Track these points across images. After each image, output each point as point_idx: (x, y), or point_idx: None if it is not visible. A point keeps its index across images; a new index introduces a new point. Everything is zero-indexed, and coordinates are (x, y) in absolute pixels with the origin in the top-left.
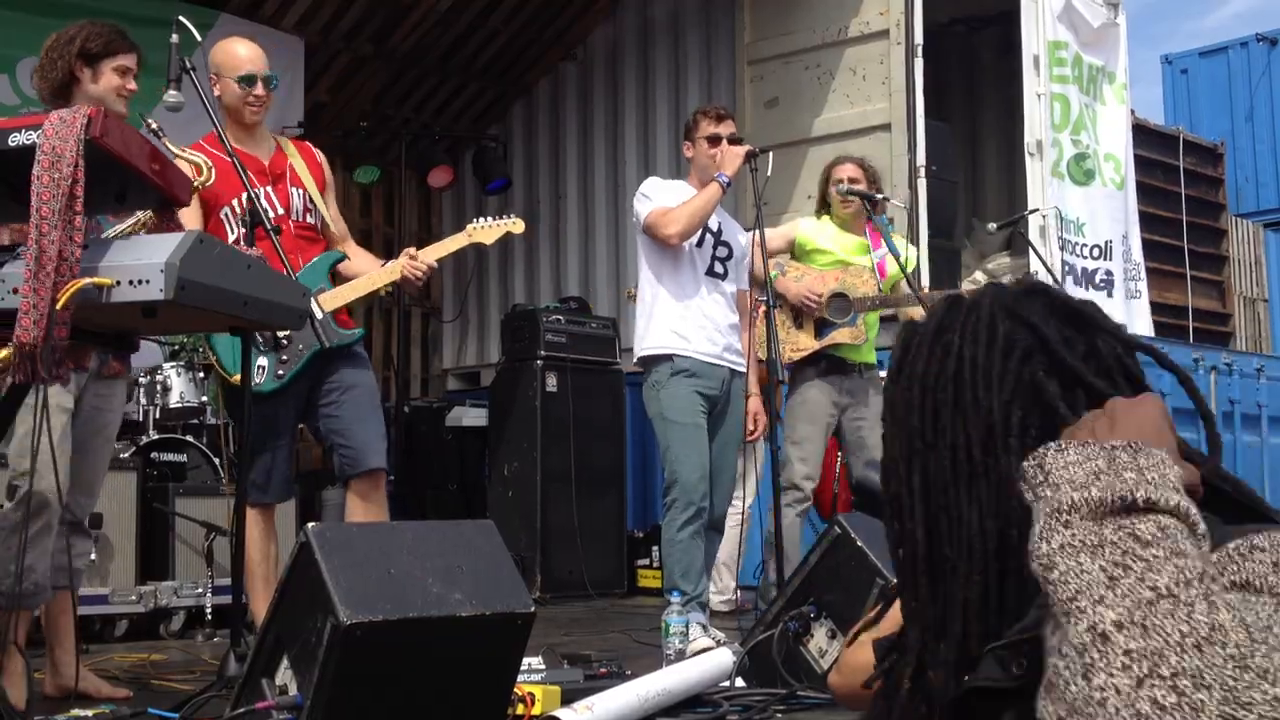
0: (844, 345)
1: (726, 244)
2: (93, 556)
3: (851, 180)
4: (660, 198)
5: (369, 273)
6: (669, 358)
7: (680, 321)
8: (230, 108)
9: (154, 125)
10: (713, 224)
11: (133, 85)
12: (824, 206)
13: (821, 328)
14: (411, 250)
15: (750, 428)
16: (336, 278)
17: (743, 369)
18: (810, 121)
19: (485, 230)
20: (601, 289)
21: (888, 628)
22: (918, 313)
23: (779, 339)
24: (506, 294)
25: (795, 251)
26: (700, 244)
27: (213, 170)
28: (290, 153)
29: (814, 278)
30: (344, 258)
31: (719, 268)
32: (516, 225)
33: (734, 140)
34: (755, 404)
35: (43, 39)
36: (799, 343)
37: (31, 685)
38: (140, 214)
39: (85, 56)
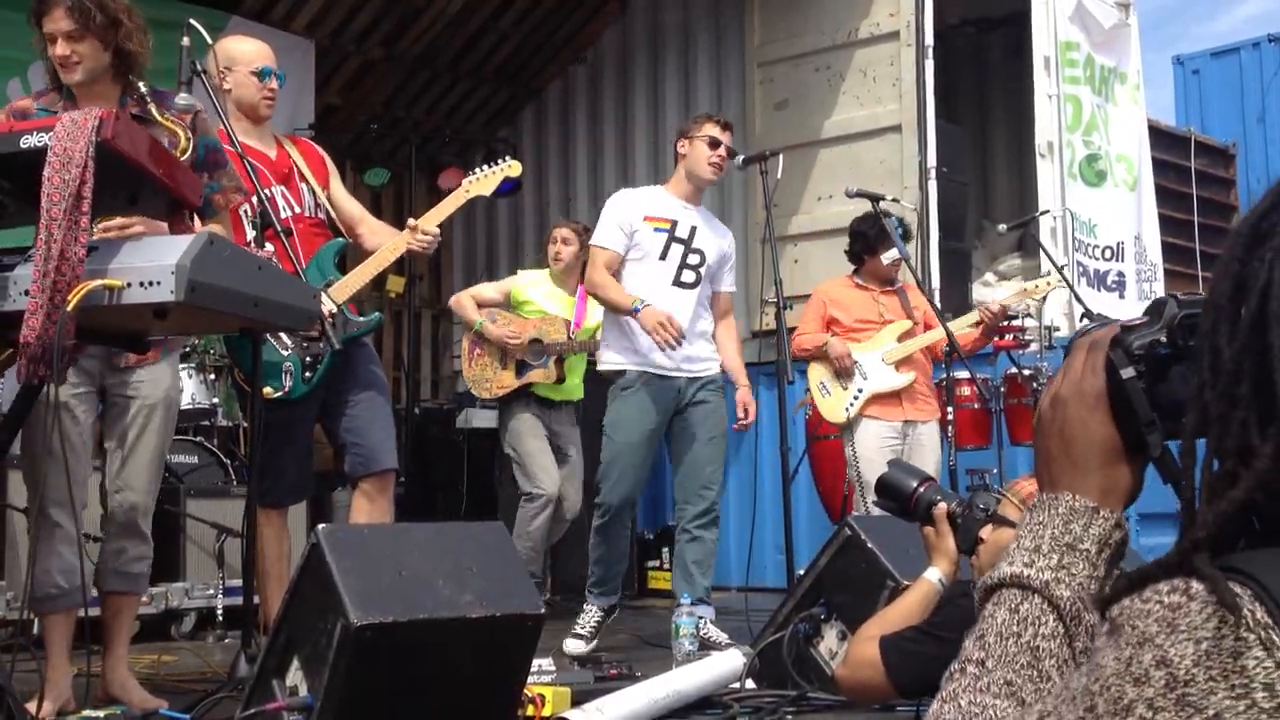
0: (540, 384)
1: (699, 251)
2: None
3: (565, 240)
4: (608, 224)
5: (378, 250)
6: (621, 373)
7: (636, 336)
8: (244, 102)
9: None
10: (683, 230)
11: (62, 51)
12: (543, 263)
13: (521, 369)
14: (412, 221)
15: (740, 415)
16: (345, 265)
17: (709, 373)
18: (820, 123)
19: (482, 181)
20: None
21: (894, 622)
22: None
23: (490, 379)
24: None
25: (511, 302)
26: (664, 256)
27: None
28: (291, 150)
29: (519, 325)
30: (346, 245)
31: (687, 275)
32: (513, 168)
33: (731, 152)
34: (744, 394)
35: None
36: (502, 380)
37: (42, 687)
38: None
39: (38, 22)
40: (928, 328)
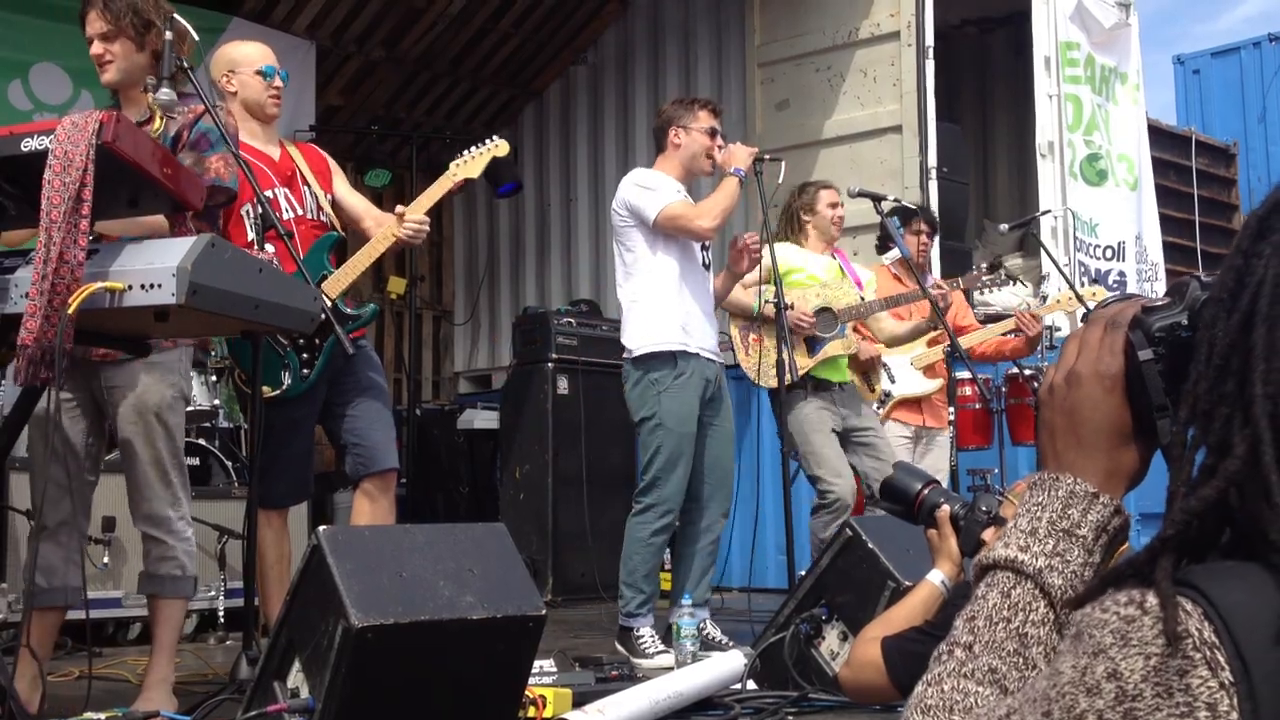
0: (827, 364)
1: None
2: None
3: (834, 205)
4: (666, 190)
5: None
6: (673, 358)
7: (686, 316)
8: (251, 102)
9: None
10: None
11: (96, 51)
12: (793, 232)
13: (812, 345)
14: (400, 209)
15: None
16: (341, 259)
17: (720, 359)
18: (821, 123)
19: (468, 164)
20: (612, 292)
21: (897, 623)
22: (886, 325)
23: (769, 362)
24: (518, 297)
25: (768, 277)
26: None
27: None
28: (294, 153)
29: (797, 296)
30: (340, 238)
31: (706, 258)
32: (500, 148)
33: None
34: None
35: (56, 44)
36: (796, 362)
37: (44, 688)
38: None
39: (84, 29)
40: (958, 330)
